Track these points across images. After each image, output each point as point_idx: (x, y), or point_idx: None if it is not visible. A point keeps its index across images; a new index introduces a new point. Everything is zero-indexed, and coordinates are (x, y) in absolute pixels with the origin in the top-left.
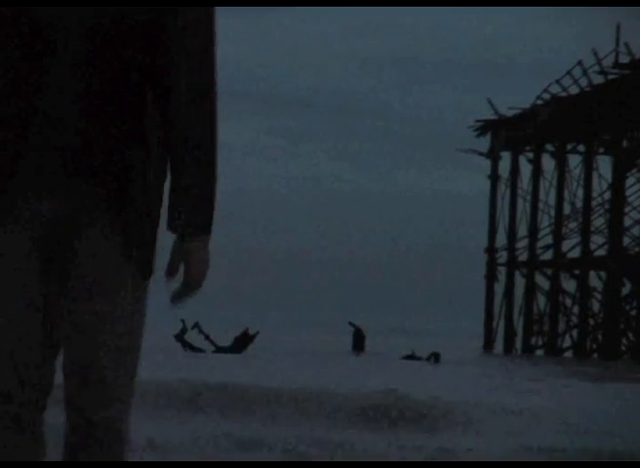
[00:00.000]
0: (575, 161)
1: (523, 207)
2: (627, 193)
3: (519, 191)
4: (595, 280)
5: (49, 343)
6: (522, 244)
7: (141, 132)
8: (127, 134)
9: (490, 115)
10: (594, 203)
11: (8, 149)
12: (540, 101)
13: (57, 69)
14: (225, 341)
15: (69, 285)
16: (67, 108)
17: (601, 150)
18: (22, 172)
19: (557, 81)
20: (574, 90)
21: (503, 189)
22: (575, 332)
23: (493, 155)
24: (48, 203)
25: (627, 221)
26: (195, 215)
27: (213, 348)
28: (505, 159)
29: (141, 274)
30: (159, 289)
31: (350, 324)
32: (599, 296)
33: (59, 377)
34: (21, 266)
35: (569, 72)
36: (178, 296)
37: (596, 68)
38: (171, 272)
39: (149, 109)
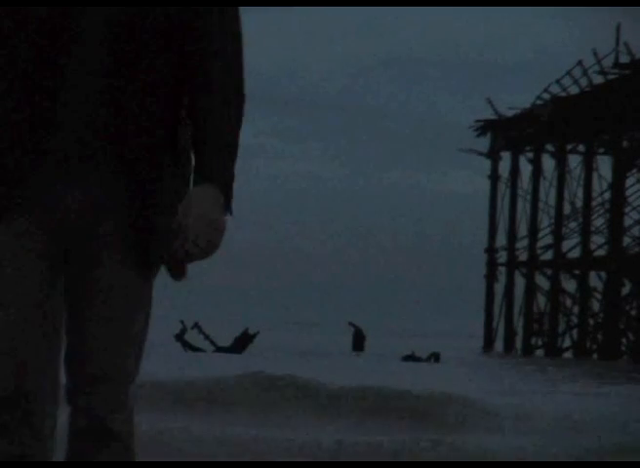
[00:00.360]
0: (575, 161)
1: (523, 207)
2: (627, 193)
3: (519, 191)
4: (595, 280)
5: (54, 341)
6: (522, 244)
7: (172, 133)
8: (157, 134)
9: (490, 115)
10: (594, 203)
11: (32, 139)
12: (539, 101)
13: (77, 65)
14: (225, 341)
15: (80, 283)
16: (92, 102)
17: (601, 150)
18: (46, 163)
19: (557, 81)
20: (574, 90)
21: (503, 189)
22: (575, 332)
23: (493, 155)
24: (70, 196)
25: (627, 221)
26: (212, 172)
27: (213, 348)
28: (505, 159)
29: (152, 274)
30: (158, 290)
31: (350, 324)
32: (599, 296)
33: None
34: (29, 262)
35: (569, 72)
36: (180, 260)
37: (596, 68)
38: (175, 227)
39: (181, 111)
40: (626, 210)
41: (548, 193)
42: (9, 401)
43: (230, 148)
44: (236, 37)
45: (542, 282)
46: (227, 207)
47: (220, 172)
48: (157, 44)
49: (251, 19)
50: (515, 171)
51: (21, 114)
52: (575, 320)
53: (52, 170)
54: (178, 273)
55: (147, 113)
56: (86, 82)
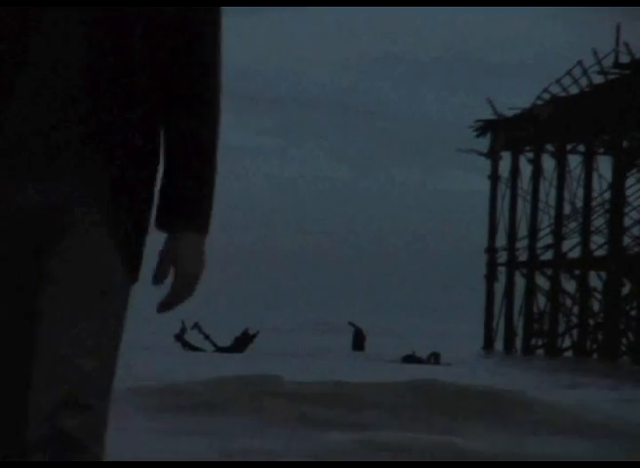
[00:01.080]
0: (575, 161)
1: (523, 207)
2: (627, 193)
3: (519, 191)
4: (595, 280)
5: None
6: (522, 244)
7: (151, 123)
8: (135, 122)
9: (490, 115)
10: (594, 203)
11: None
12: (539, 101)
13: (48, 42)
14: (225, 341)
15: (51, 279)
16: (64, 84)
17: (601, 150)
18: (2, 153)
19: (557, 81)
20: (574, 90)
21: (503, 189)
22: (575, 332)
23: (493, 155)
24: (35, 190)
25: (627, 221)
26: (190, 209)
27: (213, 348)
28: (505, 159)
29: (129, 276)
30: (159, 290)
31: (350, 324)
32: (599, 296)
33: None
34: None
35: (569, 72)
36: (165, 303)
37: (596, 68)
38: (159, 276)
39: (157, 101)
40: (626, 210)
41: (548, 193)
42: None
43: (206, 149)
44: (214, 37)
45: (542, 282)
46: (205, 235)
47: (197, 206)
48: (136, 30)
49: (251, 20)
50: (515, 171)
51: None
52: (575, 320)
53: (9, 162)
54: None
55: (126, 99)
56: (56, 50)
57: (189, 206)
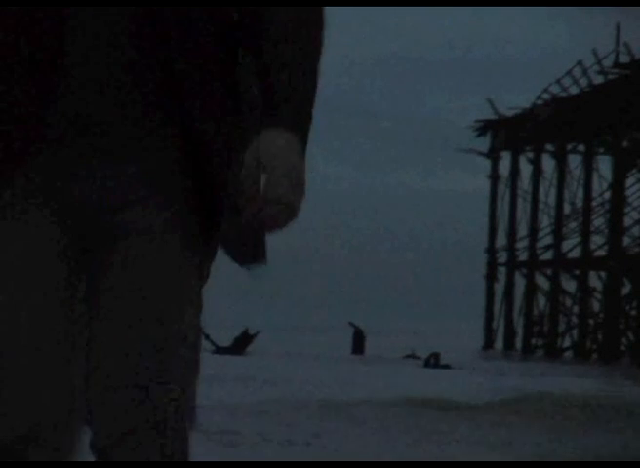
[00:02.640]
0: (575, 161)
1: (523, 207)
2: (627, 193)
3: (519, 191)
4: (595, 280)
5: (72, 359)
6: (522, 244)
7: (229, 73)
8: (209, 75)
9: (490, 115)
10: (594, 203)
11: (27, 118)
12: (540, 101)
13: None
14: (225, 341)
15: (106, 280)
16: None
17: (601, 150)
18: (46, 146)
19: (557, 81)
20: (574, 90)
21: (503, 189)
22: (575, 332)
23: (493, 155)
24: (79, 184)
25: (627, 221)
26: (283, 112)
27: (212, 348)
28: (505, 159)
29: (203, 268)
30: None
31: (350, 324)
32: (599, 296)
33: None
34: (45, 265)
35: (569, 72)
36: (255, 230)
37: (596, 68)
38: (243, 189)
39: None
40: (626, 210)
41: (548, 193)
42: (17, 446)
43: (307, 77)
44: None
45: (542, 282)
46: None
47: (293, 110)
48: None
49: None
50: (515, 171)
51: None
52: (575, 320)
53: (61, 145)
54: (254, 254)
55: (196, 49)
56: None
57: (286, 103)
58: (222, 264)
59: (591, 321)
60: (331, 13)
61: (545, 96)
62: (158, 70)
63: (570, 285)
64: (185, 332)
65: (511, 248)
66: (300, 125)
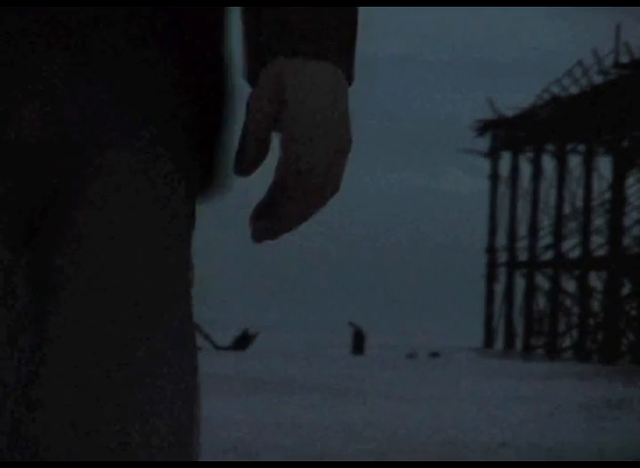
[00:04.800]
0: (575, 161)
1: (523, 207)
2: (627, 193)
3: (519, 191)
4: (595, 280)
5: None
6: (522, 244)
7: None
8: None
9: (490, 115)
10: (594, 203)
11: None
12: (540, 101)
13: None
14: (225, 341)
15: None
16: None
17: (601, 150)
18: None
19: (557, 81)
20: (574, 90)
21: (503, 189)
22: (575, 332)
23: (493, 155)
24: (38, 117)
25: (627, 221)
26: (314, 23)
27: (212, 348)
28: (505, 159)
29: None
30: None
31: (350, 324)
32: (599, 296)
33: None
34: None
35: (569, 72)
36: (270, 209)
37: (596, 68)
38: (245, 163)
39: None
40: (626, 210)
41: (548, 193)
42: None
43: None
44: None
45: (542, 282)
46: (348, 79)
47: (336, 27)
48: None
49: None
50: (515, 171)
51: None
52: (575, 320)
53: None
54: (243, 167)
55: None
56: None
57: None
58: (223, 264)
59: (591, 321)
60: None
61: (545, 96)
62: None
63: (570, 285)
64: (179, 332)
65: (511, 248)
66: (347, 54)
